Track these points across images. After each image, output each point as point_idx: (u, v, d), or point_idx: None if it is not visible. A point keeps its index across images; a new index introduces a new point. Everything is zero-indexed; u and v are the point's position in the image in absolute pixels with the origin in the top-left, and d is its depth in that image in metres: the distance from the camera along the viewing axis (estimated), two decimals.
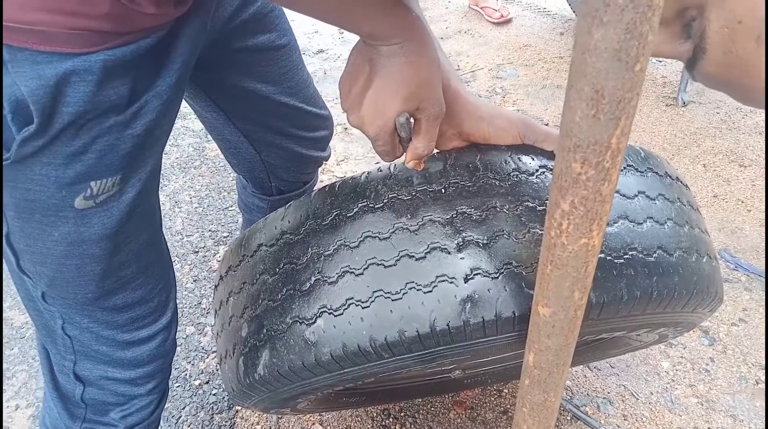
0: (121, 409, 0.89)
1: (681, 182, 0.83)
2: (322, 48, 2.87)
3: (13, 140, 0.61)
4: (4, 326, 1.60)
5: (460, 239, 0.67)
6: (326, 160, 1.21)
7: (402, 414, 1.37)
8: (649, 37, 0.37)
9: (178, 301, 1.64)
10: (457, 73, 0.73)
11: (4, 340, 1.56)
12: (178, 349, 1.53)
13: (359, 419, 1.36)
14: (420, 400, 1.39)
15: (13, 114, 0.59)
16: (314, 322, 0.70)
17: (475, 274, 0.65)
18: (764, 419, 1.33)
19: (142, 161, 0.71)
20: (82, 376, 0.86)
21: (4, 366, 1.50)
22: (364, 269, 0.69)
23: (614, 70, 0.38)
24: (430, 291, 0.66)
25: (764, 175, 1.99)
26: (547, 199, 0.69)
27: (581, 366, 1.45)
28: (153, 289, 0.84)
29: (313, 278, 0.72)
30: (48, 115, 0.60)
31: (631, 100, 0.40)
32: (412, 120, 0.67)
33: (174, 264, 1.78)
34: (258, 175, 1.17)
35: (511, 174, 0.71)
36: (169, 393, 1.42)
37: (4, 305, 1.65)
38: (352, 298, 0.68)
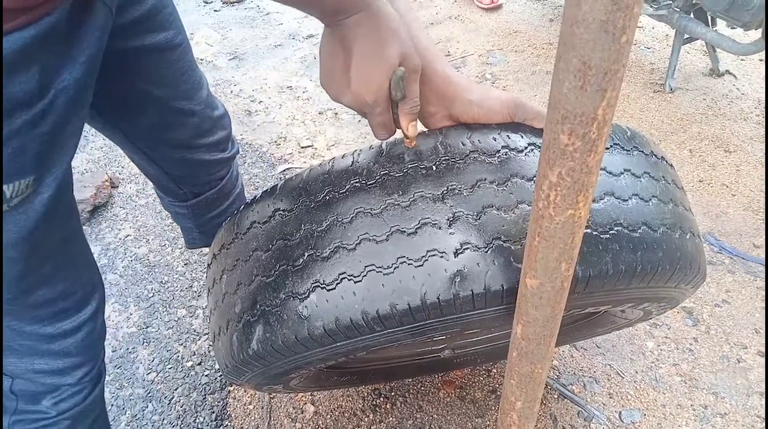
0: (52, 396, 0.88)
1: (666, 161, 0.85)
2: (312, 33, 2.86)
3: None
4: None
5: (450, 214, 0.68)
6: (236, 156, 1.19)
7: (392, 393, 1.39)
8: (635, 9, 0.38)
9: (170, 285, 1.65)
10: (444, 57, 0.74)
11: None
12: (170, 331, 1.54)
13: (350, 398, 1.38)
14: (410, 379, 1.41)
15: None
16: (307, 296, 0.71)
17: (464, 249, 0.67)
18: (746, 397, 1.37)
19: (55, 160, 0.68)
20: (8, 371, 0.84)
21: None
22: (357, 244, 0.70)
23: (601, 41, 0.39)
24: (421, 265, 0.67)
25: (757, 161, 2.02)
26: (534, 176, 0.71)
27: (568, 346, 1.48)
28: (75, 283, 0.82)
29: (306, 254, 0.73)
30: None
31: (617, 71, 0.41)
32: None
33: (165, 247, 1.79)
34: (167, 185, 1.16)
35: (501, 151, 0.72)
36: (162, 374, 1.43)
37: None
38: (345, 272, 0.70)
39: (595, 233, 0.69)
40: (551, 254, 0.56)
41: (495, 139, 0.73)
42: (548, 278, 0.58)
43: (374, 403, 1.37)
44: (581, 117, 0.44)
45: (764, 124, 2.17)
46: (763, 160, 2.01)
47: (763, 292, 1.58)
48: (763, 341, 1.47)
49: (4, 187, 0.62)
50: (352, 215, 0.71)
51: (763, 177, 1.95)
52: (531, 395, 0.77)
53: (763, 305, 1.55)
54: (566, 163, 0.48)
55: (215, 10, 3.07)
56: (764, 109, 2.24)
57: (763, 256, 1.67)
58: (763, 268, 1.64)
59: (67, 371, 0.86)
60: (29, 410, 0.88)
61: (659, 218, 0.74)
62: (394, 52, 0.64)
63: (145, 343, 1.52)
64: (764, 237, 1.74)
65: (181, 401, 1.40)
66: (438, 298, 0.66)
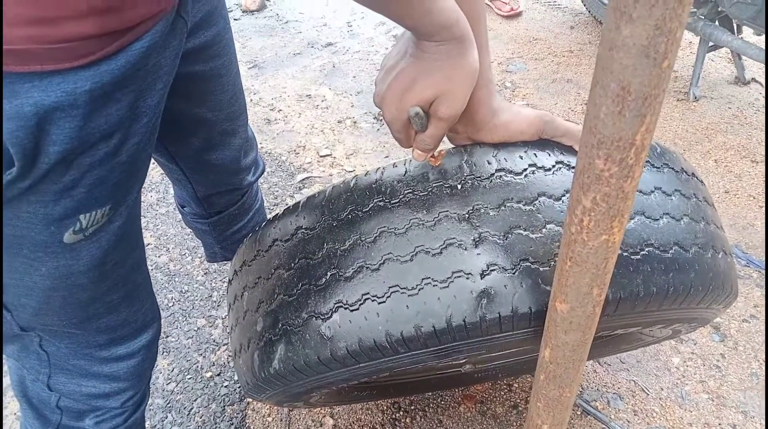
0: (95, 416, 0.88)
1: (697, 178, 0.82)
2: (331, 41, 2.86)
3: None
4: None
5: (476, 235, 0.67)
6: (260, 177, 1.22)
7: (412, 407, 1.37)
8: (678, 33, 0.37)
9: (189, 294, 1.66)
10: (491, 81, 0.71)
11: None
12: (190, 341, 1.54)
13: (370, 412, 1.36)
14: (430, 393, 1.39)
15: None
16: (330, 316, 0.70)
17: (491, 270, 0.65)
18: (764, 411, 1.33)
19: (130, 188, 0.69)
20: (56, 389, 0.84)
21: None
22: (380, 265, 0.69)
23: (642, 66, 0.38)
24: (446, 286, 0.66)
25: (766, 169, 1.97)
26: (563, 196, 0.69)
27: (591, 361, 1.45)
28: (138, 311, 0.82)
29: (329, 273, 0.72)
30: (31, 157, 0.55)
31: (657, 96, 0.40)
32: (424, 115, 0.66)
33: (185, 256, 1.80)
34: (192, 203, 1.18)
35: (527, 170, 0.70)
36: (182, 385, 1.44)
37: None
38: (368, 293, 0.68)
39: (625, 254, 0.67)
40: (583, 279, 0.54)
41: (521, 158, 0.71)
42: (579, 303, 0.57)
43: (394, 417, 1.36)
44: (618, 142, 0.43)
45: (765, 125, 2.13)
46: None
47: None
48: None
49: (81, 216, 0.63)
50: (375, 235, 0.70)
51: None
52: (558, 419, 0.75)
53: None
54: (601, 189, 0.46)
55: (235, 19, 3.09)
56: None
57: None
58: None
59: (112, 395, 0.87)
60: (72, 426, 0.89)
61: (691, 238, 0.72)
62: (424, 90, 0.62)
63: (165, 353, 1.52)
64: (764, 237, 1.69)
65: (201, 412, 1.39)
66: (464, 321, 0.65)
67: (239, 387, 1.44)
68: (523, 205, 0.68)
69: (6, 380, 1.45)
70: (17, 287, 0.69)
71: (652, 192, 0.73)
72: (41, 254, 0.65)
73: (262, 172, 1.21)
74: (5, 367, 1.45)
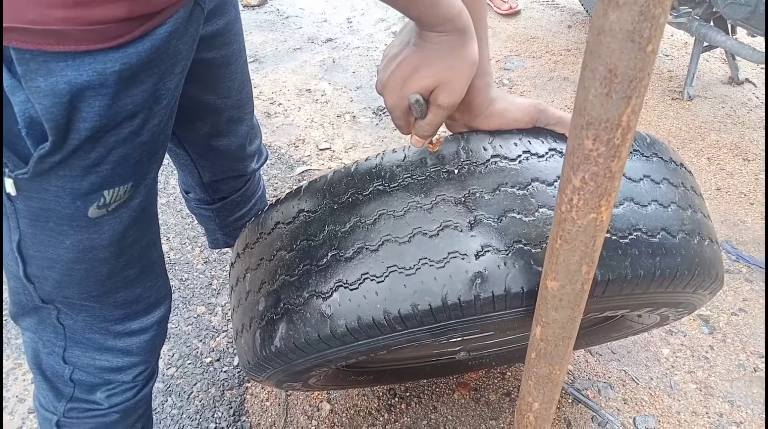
0: (107, 389, 0.91)
1: (685, 168, 0.85)
2: (331, 37, 2.89)
3: (30, 156, 0.61)
4: None
5: (471, 218, 0.70)
6: (263, 164, 1.25)
7: (407, 394, 1.40)
8: (661, 19, 0.40)
9: (189, 282, 1.68)
10: (489, 72, 0.78)
11: None
12: (190, 328, 1.57)
13: (366, 397, 1.39)
14: (425, 381, 1.42)
15: (28, 129, 0.58)
16: (330, 295, 0.73)
17: (486, 251, 0.68)
18: (764, 406, 1.36)
19: (150, 166, 0.72)
20: (70, 362, 0.87)
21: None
22: (379, 245, 0.72)
23: (627, 50, 0.40)
24: (443, 267, 0.69)
25: (766, 169, 2.01)
26: (555, 181, 0.72)
27: (583, 351, 1.48)
28: (152, 287, 0.85)
29: (329, 254, 0.74)
30: (63, 132, 0.59)
31: (642, 79, 0.43)
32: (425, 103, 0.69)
33: (185, 246, 1.82)
34: (197, 189, 1.21)
35: (521, 156, 0.73)
36: (181, 370, 1.46)
37: None
38: (367, 273, 0.71)
39: (614, 238, 0.70)
40: (573, 257, 0.57)
41: (516, 145, 0.74)
42: (569, 280, 0.59)
43: (389, 402, 1.39)
44: (606, 123, 0.45)
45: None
46: None
47: None
48: None
49: (105, 192, 0.67)
50: (375, 217, 0.73)
51: None
52: (548, 396, 0.78)
53: None
54: (590, 168, 0.49)
55: None
56: None
57: None
58: None
59: (124, 369, 0.89)
60: (84, 399, 0.91)
61: (678, 224, 0.75)
62: (425, 79, 0.65)
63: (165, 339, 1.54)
64: (764, 238, 1.73)
65: (200, 396, 1.42)
66: (459, 300, 0.68)
67: (238, 372, 1.47)
68: (517, 190, 0.71)
69: (6, 365, 1.48)
70: (42, 259, 0.72)
71: (641, 179, 0.76)
72: (66, 227, 0.69)
73: (266, 160, 1.24)
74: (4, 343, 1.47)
